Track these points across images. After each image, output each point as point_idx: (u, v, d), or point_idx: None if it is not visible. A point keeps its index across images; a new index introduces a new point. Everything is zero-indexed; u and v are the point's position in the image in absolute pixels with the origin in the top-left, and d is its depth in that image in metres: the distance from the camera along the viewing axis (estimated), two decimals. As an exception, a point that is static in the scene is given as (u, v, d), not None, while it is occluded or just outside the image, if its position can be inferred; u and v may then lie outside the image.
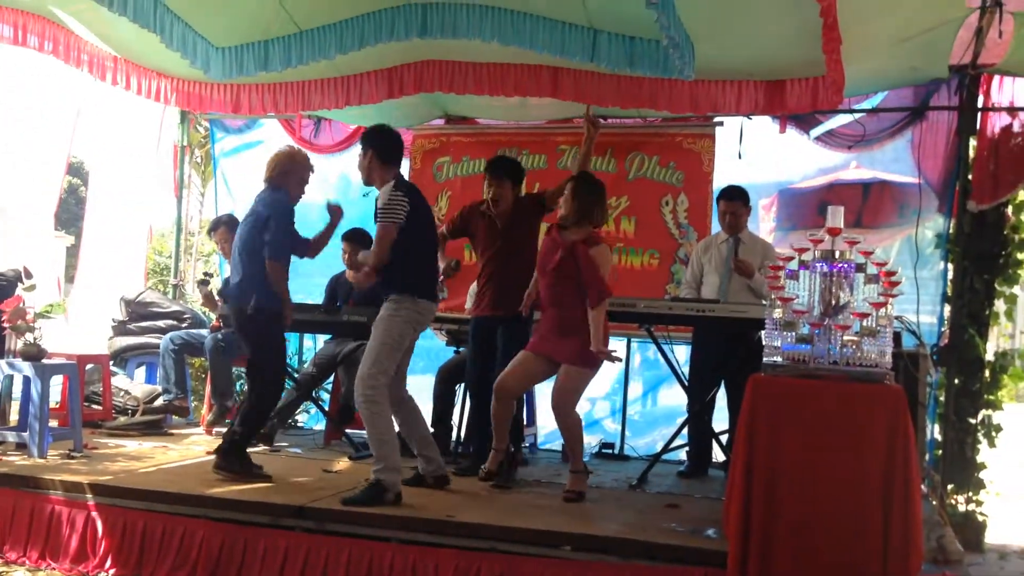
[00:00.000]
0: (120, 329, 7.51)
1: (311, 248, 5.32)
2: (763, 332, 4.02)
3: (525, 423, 6.46)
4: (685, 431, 5.78)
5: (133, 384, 6.95)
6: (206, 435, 6.53)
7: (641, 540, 4.02)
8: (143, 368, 7.41)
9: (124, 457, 5.44)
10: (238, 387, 7.27)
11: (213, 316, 6.78)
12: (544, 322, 4.99)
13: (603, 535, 4.09)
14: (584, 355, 4.77)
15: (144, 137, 8.46)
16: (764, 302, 5.57)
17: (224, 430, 6.59)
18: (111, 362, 7.02)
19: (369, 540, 4.15)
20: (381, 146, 4.79)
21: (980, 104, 6.01)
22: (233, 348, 6.62)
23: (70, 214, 20.25)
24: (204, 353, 6.74)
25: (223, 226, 6.79)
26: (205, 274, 7.41)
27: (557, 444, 6.41)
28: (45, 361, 5.47)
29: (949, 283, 6.22)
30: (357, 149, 7.82)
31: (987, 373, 5.98)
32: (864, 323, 3.75)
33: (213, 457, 5.02)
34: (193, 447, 5.95)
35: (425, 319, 4.82)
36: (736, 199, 5.91)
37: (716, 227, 6.50)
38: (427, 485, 4.90)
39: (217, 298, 6.72)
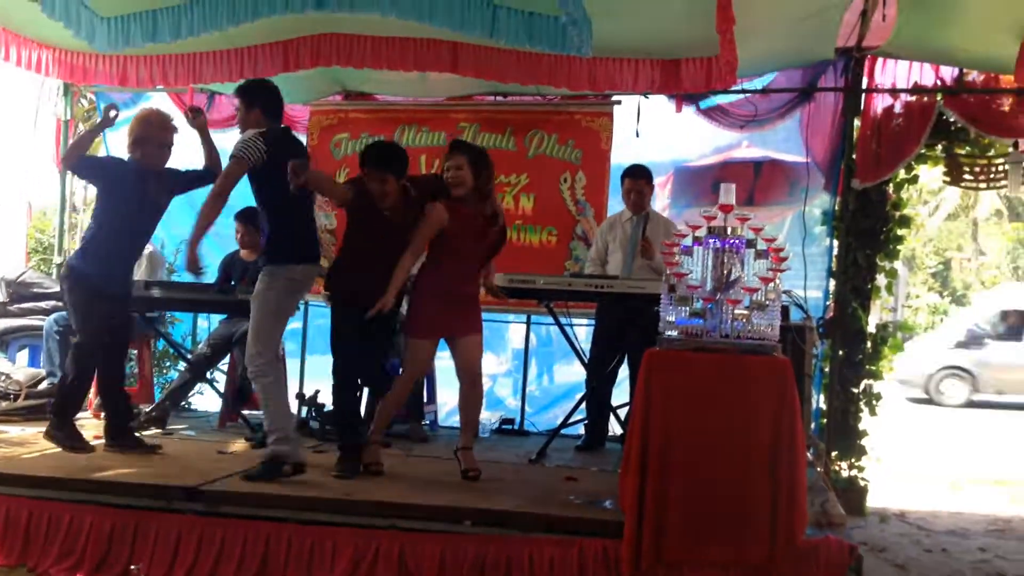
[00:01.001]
0: (0, 311, 7.18)
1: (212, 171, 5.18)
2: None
3: (426, 400, 6.46)
4: (584, 405, 5.87)
5: (15, 368, 6.66)
6: (94, 419, 6.31)
7: (540, 513, 4.08)
8: (26, 351, 7.11)
9: (6, 443, 5.22)
10: (128, 368, 7.04)
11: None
12: (447, 300, 4.78)
13: (502, 509, 4.12)
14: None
15: (23, 110, 8.09)
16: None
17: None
18: (-9, 345, 6.72)
19: (266, 521, 4.09)
20: (268, 101, 4.70)
21: (864, 85, 6.22)
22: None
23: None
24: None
25: None
26: None
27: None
28: (-82, 345, 5.22)
29: (834, 258, 6.44)
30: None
31: (869, 345, 6.23)
32: (754, 297, 3.86)
33: (101, 441, 4.87)
34: (81, 431, 5.74)
35: (306, 283, 4.74)
36: (641, 177, 5.99)
37: (613, 205, 6.58)
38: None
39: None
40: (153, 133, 5.02)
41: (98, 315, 5.02)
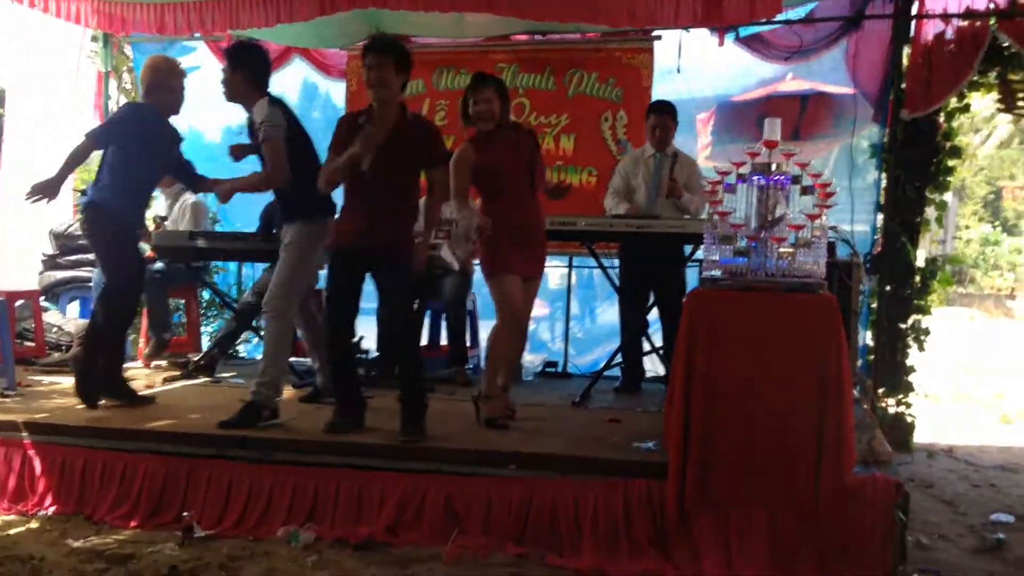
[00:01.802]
0: (50, 263, 7.31)
1: (200, 182, 5.22)
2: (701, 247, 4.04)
3: (469, 344, 6.48)
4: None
5: (66, 319, 6.79)
6: (144, 368, 6.43)
7: (585, 455, 4.08)
8: (76, 303, 7.24)
9: (59, 394, 5.33)
10: (176, 319, 7.15)
11: (147, 247, 6.62)
12: (518, 237, 4.59)
13: (547, 452, 4.13)
14: None
15: (66, 62, 8.11)
16: (687, 216, 5.67)
17: (163, 363, 6.54)
18: (42, 297, 6.84)
19: (314, 468, 4.14)
20: (254, 65, 4.67)
21: (915, 11, 6.00)
22: (169, 279, 6.50)
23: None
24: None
25: None
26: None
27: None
28: (-30, 299, 5.31)
29: (882, 192, 6.29)
30: (289, 69, 7.69)
31: (917, 279, 6.10)
32: (799, 235, 3.79)
33: (150, 391, 4.93)
34: (131, 381, 5.84)
35: (325, 235, 4.70)
36: (665, 112, 5.88)
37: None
38: (324, 401, 4.92)
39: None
40: (162, 79, 5.01)
41: (128, 251, 4.99)
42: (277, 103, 4.66)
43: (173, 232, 6.38)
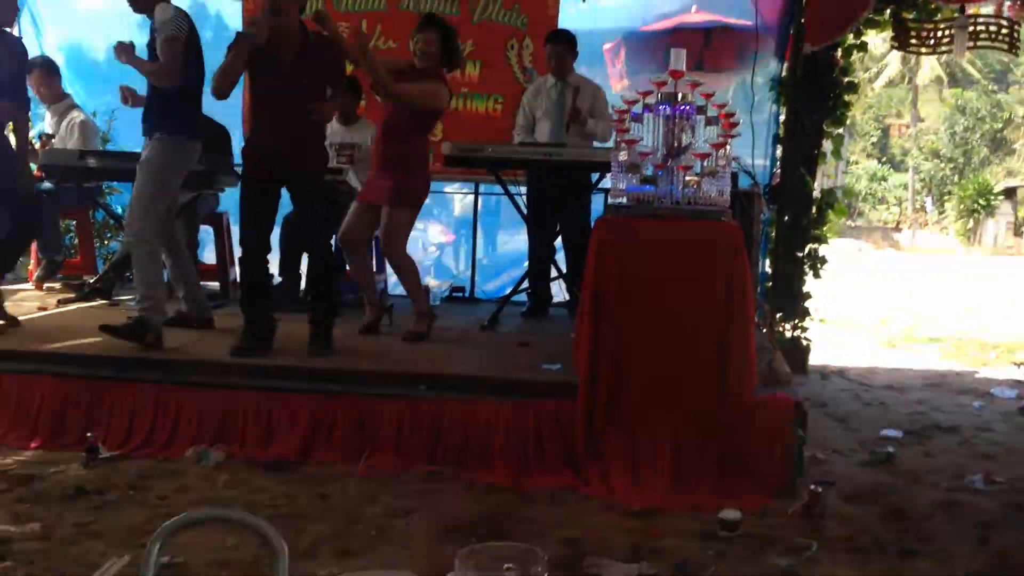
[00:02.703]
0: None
1: None
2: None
3: (375, 270, 6.45)
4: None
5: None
6: (36, 291, 6.21)
7: (495, 377, 4.15)
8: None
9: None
10: (67, 240, 6.91)
11: (35, 166, 6.33)
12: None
13: (458, 373, 4.19)
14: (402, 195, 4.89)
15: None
16: (596, 144, 5.74)
17: (56, 285, 6.33)
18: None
19: (221, 389, 4.10)
20: None
21: (816, -55, 6.10)
22: (59, 199, 6.25)
23: None
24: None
25: (37, 68, 6.25)
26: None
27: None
28: None
29: (781, 125, 6.47)
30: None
31: (814, 209, 6.33)
32: (705, 164, 3.87)
33: (43, 313, 4.75)
34: (23, 303, 5.65)
35: (192, 162, 4.67)
36: (561, 42, 5.89)
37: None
38: (190, 326, 4.91)
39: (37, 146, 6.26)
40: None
41: None
42: (182, 11, 4.50)
43: (62, 151, 6.10)
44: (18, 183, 4.89)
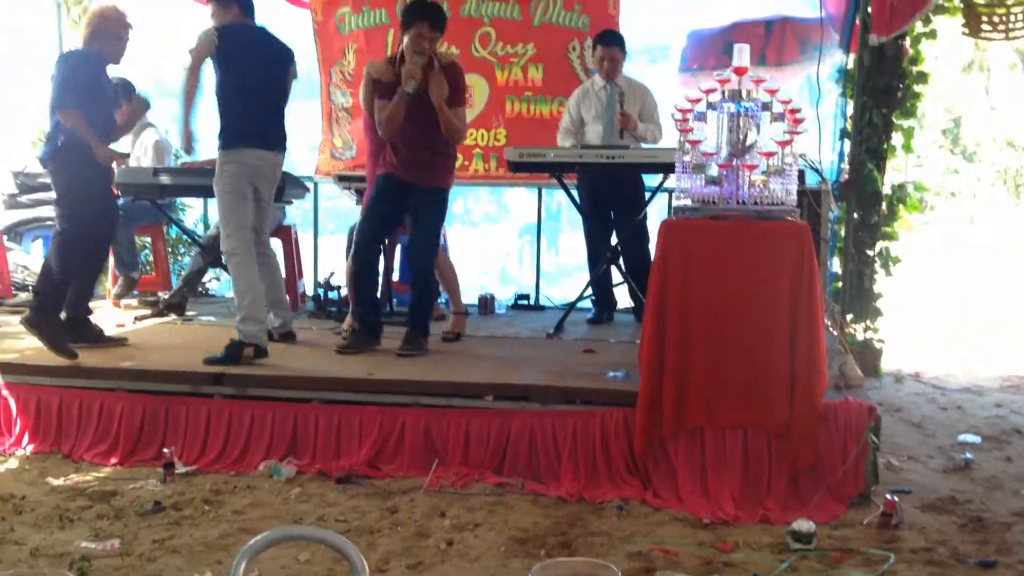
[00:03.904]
0: (11, 203, 7.19)
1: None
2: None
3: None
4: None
5: (32, 258, 6.70)
6: (114, 308, 6.38)
7: (560, 386, 4.12)
8: (39, 241, 7.13)
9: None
10: (143, 257, 7.08)
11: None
12: None
13: (524, 383, 4.17)
14: None
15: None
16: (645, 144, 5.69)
17: (133, 302, 6.49)
18: (5, 237, 6.73)
19: (291, 402, 4.16)
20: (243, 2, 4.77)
21: (880, -67, 5.95)
22: (135, 217, 6.41)
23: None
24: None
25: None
26: None
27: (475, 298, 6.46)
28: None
29: (848, 119, 6.31)
30: None
31: (884, 206, 6.17)
32: (771, 162, 3.80)
33: (121, 330, 4.88)
34: (101, 321, 5.79)
35: (262, 167, 4.75)
36: (613, 44, 5.83)
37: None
38: (271, 340, 4.92)
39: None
40: (110, 26, 4.89)
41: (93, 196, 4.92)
42: (225, 28, 4.68)
43: (136, 169, 6.27)
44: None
